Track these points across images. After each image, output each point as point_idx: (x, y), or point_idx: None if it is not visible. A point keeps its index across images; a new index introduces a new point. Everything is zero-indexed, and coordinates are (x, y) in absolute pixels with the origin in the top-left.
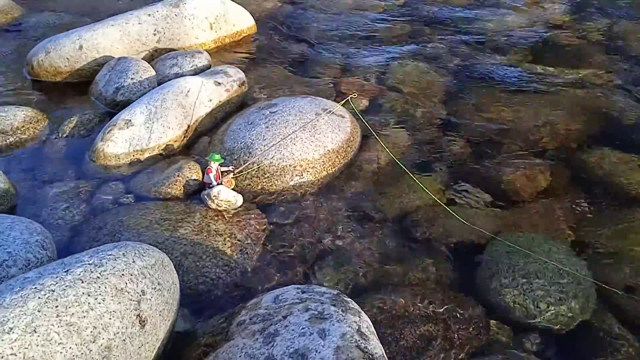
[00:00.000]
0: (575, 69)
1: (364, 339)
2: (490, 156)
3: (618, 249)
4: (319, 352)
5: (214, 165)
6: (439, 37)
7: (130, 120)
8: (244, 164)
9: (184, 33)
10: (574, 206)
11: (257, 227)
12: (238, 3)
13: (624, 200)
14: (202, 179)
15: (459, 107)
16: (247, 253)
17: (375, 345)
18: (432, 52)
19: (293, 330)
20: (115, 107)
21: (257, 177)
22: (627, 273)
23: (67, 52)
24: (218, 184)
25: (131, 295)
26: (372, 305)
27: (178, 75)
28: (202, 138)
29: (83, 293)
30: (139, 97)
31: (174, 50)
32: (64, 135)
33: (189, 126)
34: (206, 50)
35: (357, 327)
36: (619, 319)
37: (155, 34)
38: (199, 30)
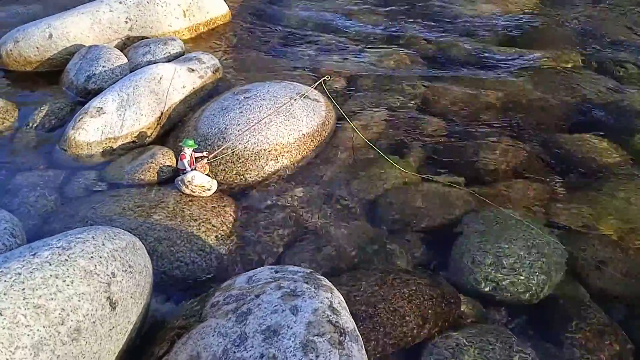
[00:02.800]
0: (548, 52)
1: (336, 314)
2: (465, 137)
3: (589, 225)
4: (291, 328)
5: (188, 151)
6: (415, 22)
7: (101, 108)
8: (218, 149)
9: (157, 21)
10: (546, 184)
11: (232, 211)
12: None
13: (595, 178)
14: (176, 165)
15: (435, 89)
16: (222, 237)
17: (347, 320)
18: (408, 37)
19: (265, 308)
20: (87, 95)
21: (231, 162)
22: (597, 247)
23: (37, 41)
24: (192, 170)
25: (101, 278)
26: (347, 284)
27: (151, 63)
28: (177, 124)
29: (51, 275)
30: (111, 85)
31: (147, 38)
32: (35, 125)
33: (162, 113)
34: (181, 38)
35: (329, 303)
36: (587, 290)
37: (127, 22)
38: (172, 18)
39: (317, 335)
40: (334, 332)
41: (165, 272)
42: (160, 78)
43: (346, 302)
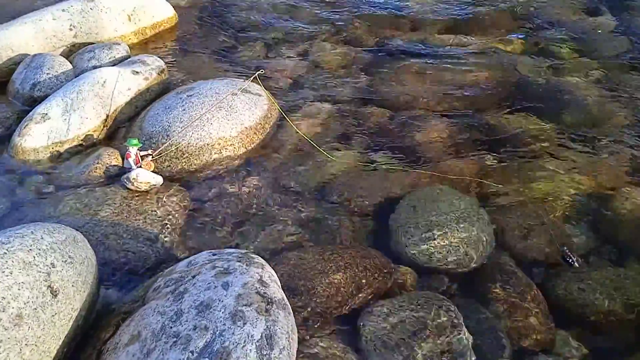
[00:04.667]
0: (487, 39)
1: (264, 286)
2: (406, 122)
3: (518, 198)
4: (222, 301)
5: (133, 150)
6: (358, 16)
7: (46, 114)
8: (162, 146)
9: (102, 26)
10: (479, 161)
11: (179, 204)
12: None
13: (526, 156)
14: (123, 164)
15: (378, 79)
16: (168, 228)
17: (275, 291)
18: (352, 31)
19: (200, 286)
20: (33, 103)
21: (176, 157)
22: (522, 217)
23: None
24: (138, 168)
25: (40, 268)
26: (288, 262)
27: (96, 68)
28: (123, 125)
29: None
30: (55, 91)
31: (93, 44)
32: None
33: (107, 115)
34: (127, 42)
35: (258, 277)
36: (511, 256)
37: (71, 29)
38: (117, 23)
39: (245, 305)
40: (262, 302)
41: (113, 263)
42: (104, 82)
43: (288, 277)
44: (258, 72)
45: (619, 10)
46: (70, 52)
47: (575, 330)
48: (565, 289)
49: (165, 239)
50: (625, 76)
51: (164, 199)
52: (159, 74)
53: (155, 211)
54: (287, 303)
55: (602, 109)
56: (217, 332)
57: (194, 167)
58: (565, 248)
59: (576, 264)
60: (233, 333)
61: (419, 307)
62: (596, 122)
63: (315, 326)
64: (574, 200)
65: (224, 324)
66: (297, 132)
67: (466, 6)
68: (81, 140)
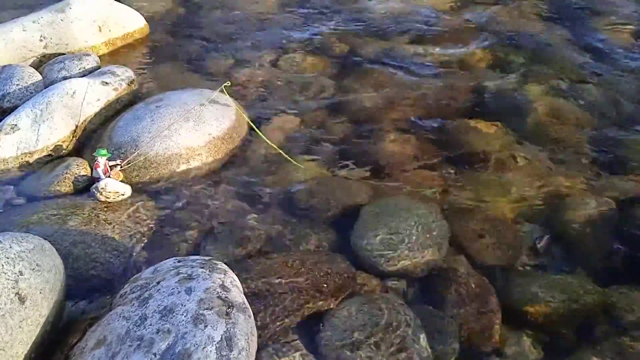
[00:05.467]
0: (452, 48)
1: (226, 291)
2: (371, 132)
3: (474, 204)
4: (185, 306)
5: (102, 160)
6: (328, 26)
7: (16, 125)
8: (131, 156)
9: (72, 37)
10: (439, 169)
11: (147, 213)
12: (128, 5)
13: (483, 163)
14: (92, 174)
15: (345, 89)
16: (136, 237)
17: (236, 295)
18: (321, 41)
19: (164, 291)
20: (2, 114)
21: (144, 167)
22: (477, 222)
23: None
24: (106, 177)
25: (8, 276)
26: (252, 268)
27: (66, 79)
28: (92, 136)
29: None
30: (25, 102)
31: (63, 54)
32: None
33: (77, 126)
34: (98, 53)
35: (220, 282)
36: (467, 259)
37: (41, 40)
38: (88, 34)
39: (206, 309)
40: (223, 306)
41: (81, 272)
42: (74, 93)
43: (252, 282)
44: (225, 84)
45: (575, 21)
46: (41, 63)
47: (528, 331)
48: (518, 291)
49: (133, 248)
50: (579, 84)
51: (133, 208)
52: (128, 85)
53: (123, 221)
54: (248, 307)
55: (556, 116)
56: (179, 335)
57: (162, 176)
58: (537, 237)
59: (541, 250)
60: (194, 335)
61: (377, 310)
62: (550, 129)
63: (277, 330)
64: (528, 205)
65: (186, 327)
66: (265, 140)
67: (432, 18)
68: (50, 150)
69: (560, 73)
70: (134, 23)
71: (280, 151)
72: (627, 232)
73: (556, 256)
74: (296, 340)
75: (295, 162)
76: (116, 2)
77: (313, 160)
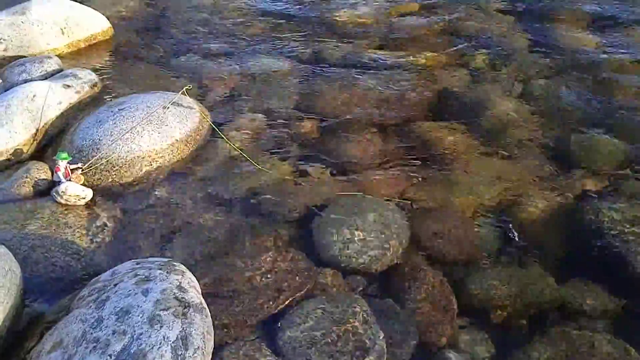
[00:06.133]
0: (416, 52)
1: (183, 292)
2: (335, 133)
3: (435, 204)
4: (141, 307)
5: (62, 164)
6: (294, 31)
7: None
8: (93, 159)
9: (34, 40)
10: (402, 169)
11: (108, 216)
12: (91, 6)
13: (444, 163)
14: (52, 177)
15: (311, 92)
16: (97, 240)
17: (193, 296)
18: (287, 45)
19: (121, 293)
20: None
21: (106, 170)
22: (437, 220)
23: None
24: (67, 181)
25: None
26: (213, 269)
27: (27, 82)
28: (54, 139)
29: None
30: None
31: (25, 57)
32: None
33: (37, 130)
34: (60, 56)
35: (177, 284)
36: (425, 256)
37: (1, 42)
38: (50, 36)
39: (163, 310)
40: (179, 306)
41: (40, 276)
42: (34, 96)
43: (213, 283)
44: (186, 87)
45: (538, 24)
46: (1, 66)
47: (482, 324)
48: (474, 286)
49: (94, 251)
50: (538, 84)
51: (94, 211)
52: (91, 88)
53: (84, 224)
54: (205, 307)
55: (515, 117)
56: (135, 336)
57: (125, 179)
58: (510, 226)
59: (516, 238)
60: (150, 336)
61: (337, 307)
62: (508, 129)
63: (237, 329)
64: (486, 203)
65: (142, 328)
66: (228, 143)
67: (399, 22)
68: (10, 154)
69: (520, 73)
70: (97, 25)
71: (242, 153)
72: (580, 228)
73: (512, 251)
74: (256, 338)
75: (255, 164)
76: (79, 4)
77: (276, 160)
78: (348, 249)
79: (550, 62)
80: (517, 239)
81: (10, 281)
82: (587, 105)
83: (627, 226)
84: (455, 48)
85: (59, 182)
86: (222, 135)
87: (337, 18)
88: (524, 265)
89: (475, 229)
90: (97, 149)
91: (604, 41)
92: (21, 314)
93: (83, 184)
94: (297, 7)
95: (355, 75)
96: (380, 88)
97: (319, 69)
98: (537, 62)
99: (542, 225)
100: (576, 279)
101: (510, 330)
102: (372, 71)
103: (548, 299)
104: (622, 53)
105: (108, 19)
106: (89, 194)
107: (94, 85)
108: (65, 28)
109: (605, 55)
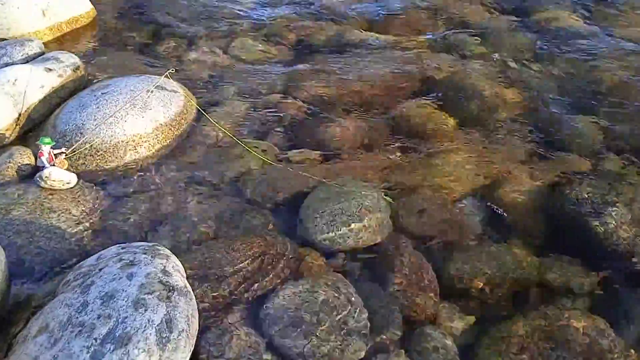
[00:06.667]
0: (402, 34)
1: (167, 276)
2: (321, 117)
3: (418, 185)
4: (125, 291)
5: (45, 149)
6: (279, 13)
7: None
8: (76, 144)
9: (14, 22)
10: (385, 151)
11: (94, 201)
12: None
13: (428, 145)
14: (36, 163)
15: (296, 74)
16: (82, 225)
17: (178, 280)
18: (272, 28)
19: (106, 277)
20: None
21: (90, 155)
22: (418, 201)
23: None
24: (51, 166)
25: None
26: (199, 253)
27: (8, 65)
28: (37, 124)
29: None
30: None
31: (5, 40)
32: None
33: (20, 114)
34: (42, 38)
35: (162, 268)
36: (407, 236)
37: None
38: (31, 18)
39: (147, 294)
40: (163, 290)
41: (25, 261)
42: (15, 80)
43: (199, 267)
44: (169, 71)
45: (522, 9)
46: None
47: (464, 303)
48: (456, 266)
49: (78, 236)
50: (522, 68)
51: (78, 196)
52: (74, 71)
53: (68, 209)
54: (190, 290)
55: (499, 100)
56: (120, 319)
57: (109, 164)
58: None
59: (503, 214)
60: (134, 319)
61: (320, 288)
62: (492, 112)
63: (223, 312)
64: (469, 185)
65: (126, 312)
66: (215, 125)
67: (384, 5)
68: None
69: (506, 57)
70: (80, 7)
71: (230, 134)
72: (560, 208)
73: (493, 231)
74: (241, 320)
75: (243, 145)
76: None
77: (262, 143)
78: (332, 232)
79: (536, 46)
80: (503, 215)
81: None
82: (571, 88)
83: (607, 207)
84: (440, 31)
85: (43, 167)
86: (209, 117)
87: (323, 1)
88: (506, 245)
89: (457, 210)
90: (81, 133)
91: (591, 24)
92: (6, 299)
93: (67, 169)
94: None
95: (341, 58)
96: (365, 71)
97: (304, 51)
98: (523, 45)
99: (524, 206)
100: (555, 256)
101: (491, 308)
102: (357, 54)
103: (529, 277)
104: (608, 36)
105: (90, 1)
106: (73, 179)
107: (77, 68)
108: (46, 10)
109: (591, 39)
